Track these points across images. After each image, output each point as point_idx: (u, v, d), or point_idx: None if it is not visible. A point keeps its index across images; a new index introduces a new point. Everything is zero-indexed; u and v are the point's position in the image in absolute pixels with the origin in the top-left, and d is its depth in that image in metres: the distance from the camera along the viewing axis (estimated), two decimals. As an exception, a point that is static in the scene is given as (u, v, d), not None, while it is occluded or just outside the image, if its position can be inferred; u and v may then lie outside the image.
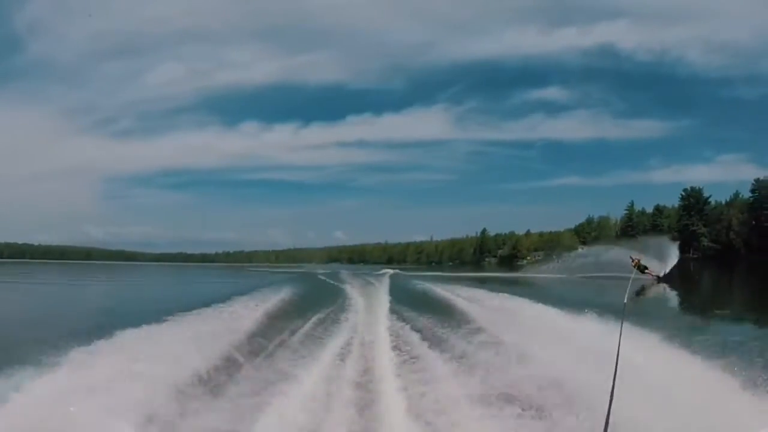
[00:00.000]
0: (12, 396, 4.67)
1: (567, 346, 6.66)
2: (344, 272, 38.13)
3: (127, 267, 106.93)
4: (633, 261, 27.91)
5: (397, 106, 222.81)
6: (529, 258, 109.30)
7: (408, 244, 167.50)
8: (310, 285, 24.64)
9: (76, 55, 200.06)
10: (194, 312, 10.84)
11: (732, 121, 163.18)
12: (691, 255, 73.64)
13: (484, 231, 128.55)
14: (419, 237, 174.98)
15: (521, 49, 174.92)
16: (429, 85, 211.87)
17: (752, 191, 72.25)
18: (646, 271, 27.96)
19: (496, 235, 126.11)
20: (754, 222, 70.57)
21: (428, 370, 6.79)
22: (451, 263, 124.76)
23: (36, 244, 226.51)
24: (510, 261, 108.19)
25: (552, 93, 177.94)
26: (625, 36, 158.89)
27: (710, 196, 77.54)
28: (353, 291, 19.20)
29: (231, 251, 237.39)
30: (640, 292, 22.95)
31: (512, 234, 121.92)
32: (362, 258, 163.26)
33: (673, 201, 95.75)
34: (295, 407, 5.34)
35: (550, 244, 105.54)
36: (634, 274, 21.78)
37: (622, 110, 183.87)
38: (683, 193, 78.83)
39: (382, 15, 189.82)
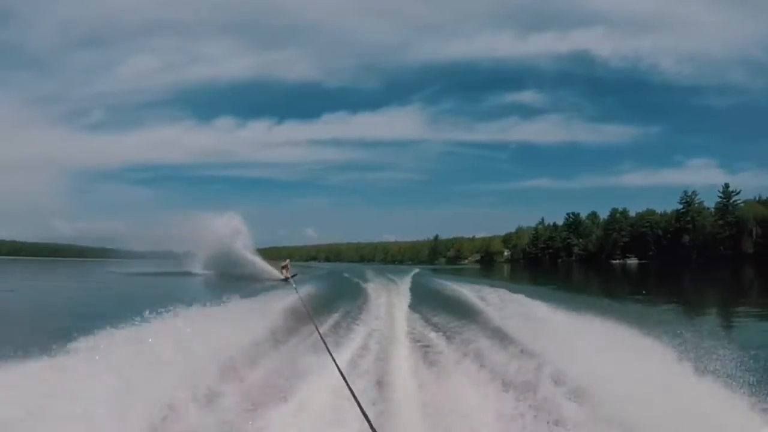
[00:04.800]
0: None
1: (584, 348, 6.43)
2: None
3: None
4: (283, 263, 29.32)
5: (372, 105, 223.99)
6: (469, 258, 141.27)
7: (377, 245, 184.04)
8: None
9: (47, 44, 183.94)
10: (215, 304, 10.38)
11: (702, 128, 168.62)
12: (572, 259, 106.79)
13: (436, 237, 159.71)
14: (389, 236, 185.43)
15: (497, 53, 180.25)
16: (404, 85, 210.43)
17: (610, 215, 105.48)
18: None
19: (446, 240, 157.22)
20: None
21: (444, 367, 6.87)
22: (410, 262, 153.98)
23: (33, 241, 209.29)
24: (455, 260, 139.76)
25: (526, 96, 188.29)
26: (600, 43, 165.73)
27: (580, 215, 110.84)
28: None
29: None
30: None
31: (458, 238, 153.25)
32: (337, 257, 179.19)
33: (644, 204, 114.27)
34: (313, 401, 5.35)
35: (485, 248, 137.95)
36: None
37: (594, 115, 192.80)
38: (567, 215, 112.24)
39: (359, 14, 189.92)
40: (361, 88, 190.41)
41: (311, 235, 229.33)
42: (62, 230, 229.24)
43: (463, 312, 10.79)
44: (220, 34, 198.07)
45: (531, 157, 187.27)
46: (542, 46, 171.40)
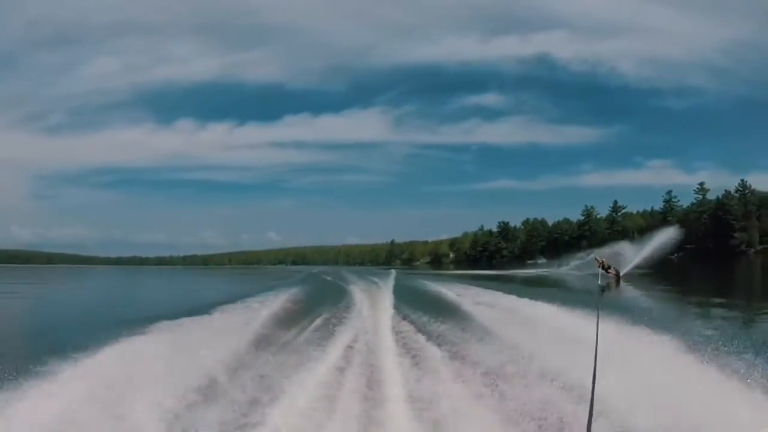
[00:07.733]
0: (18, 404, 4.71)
1: (567, 343, 6.68)
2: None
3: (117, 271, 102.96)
4: (598, 262, 30.93)
5: (336, 107, 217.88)
6: (421, 260, 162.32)
7: (339, 248, 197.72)
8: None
9: (6, 44, 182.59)
10: (198, 315, 10.99)
11: (661, 130, 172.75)
12: (504, 260, 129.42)
13: (392, 241, 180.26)
14: (351, 239, 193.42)
15: (461, 56, 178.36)
16: (368, 87, 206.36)
17: (531, 224, 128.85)
18: (608, 270, 30.45)
19: (401, 243, 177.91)
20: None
21: (430, 365, 6.90)
22: (370, 263, 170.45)
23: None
24: (409, 262, 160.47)
25: (489, 99, 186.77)
26: (562, 47, 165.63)
27: (515, 226, 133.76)
28: None
29: (187, 255, 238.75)
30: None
31: (412, 242, 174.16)
32: (303, 260, 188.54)
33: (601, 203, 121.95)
34: (299, 408, 5.34)
35: (434, 251, 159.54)
36: (600, 272, 26.93)
37: (555, 117, 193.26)
38: (498, 223, 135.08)
39: (324, 16, 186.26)
40: (324, 89, 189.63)
41: (274, 239, 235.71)
42: (21, 236, 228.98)
43: (443, 307, 12.07)
44: (183, 35, 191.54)
45: (493, 158, 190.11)
46: (505, 49, 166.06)
